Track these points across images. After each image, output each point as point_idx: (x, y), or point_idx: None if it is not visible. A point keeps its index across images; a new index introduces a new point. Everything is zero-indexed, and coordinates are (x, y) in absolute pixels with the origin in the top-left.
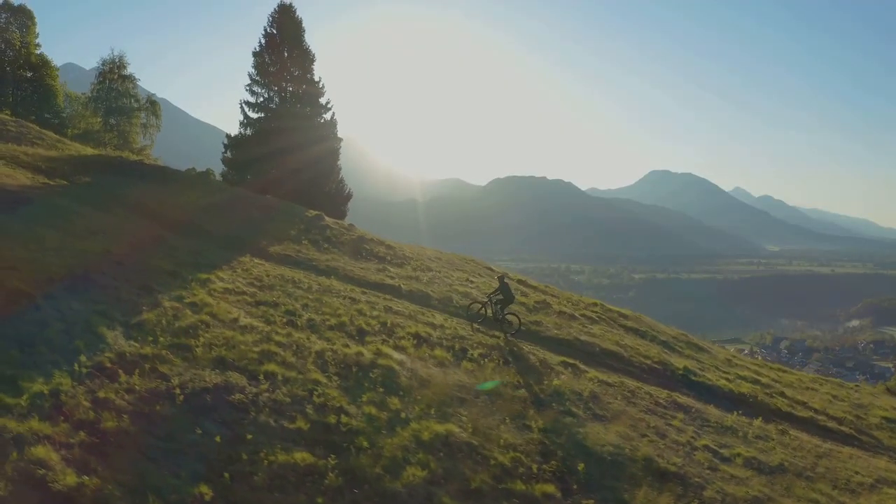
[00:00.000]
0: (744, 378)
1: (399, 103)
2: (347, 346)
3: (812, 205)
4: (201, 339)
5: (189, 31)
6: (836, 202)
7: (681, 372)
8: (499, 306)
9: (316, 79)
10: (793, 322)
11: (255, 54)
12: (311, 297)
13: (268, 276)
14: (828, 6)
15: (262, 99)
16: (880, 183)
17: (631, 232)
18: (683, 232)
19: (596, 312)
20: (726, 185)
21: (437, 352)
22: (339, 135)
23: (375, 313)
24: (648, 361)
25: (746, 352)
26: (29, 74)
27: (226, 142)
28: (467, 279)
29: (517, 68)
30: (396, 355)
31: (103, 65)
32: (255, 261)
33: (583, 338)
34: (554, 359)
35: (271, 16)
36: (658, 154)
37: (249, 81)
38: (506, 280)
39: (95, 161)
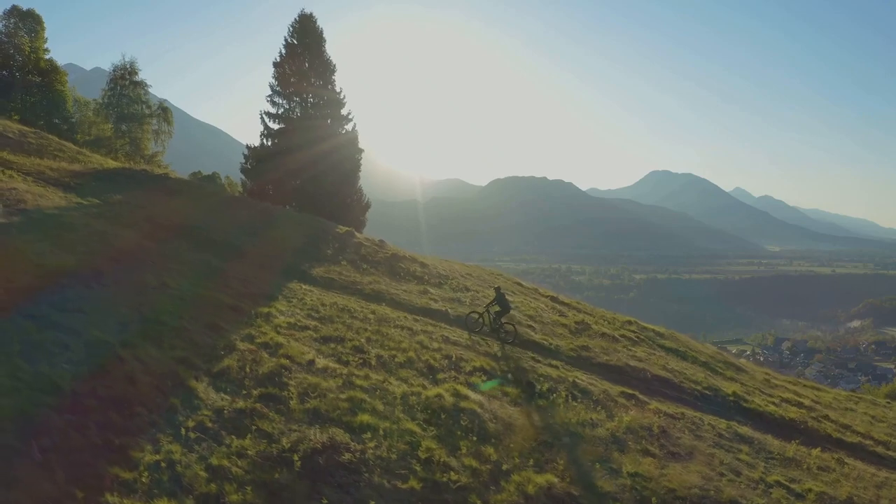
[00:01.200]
0: (787, 401)
1: (399, 104)
2: (425, 386)
3: (812, 205)
4: (292, 390)
5: (188, 31)
6: (836, 202)
7: (731, 398)
8: (495, 316)
9: (337, 89)
10: (793, 322)
11: (275, 65)
12: (370, 328)
13: (322, 305)
14: (828, 6)
15: (282, 110)
16: (880, 183)
17: (631, 232)
18: (684, 232)
19: (633, 332)
20: (726, 185)
21: (508, 388)
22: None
23: (436, 345)
24: (698, 387)
25: (748, 353)
26: (38, 80)
27: (246, 152)
28: None
29: (517, 69)
30: (474, 395)
31: (114, 70)
32: (304, 287)
33: (632, 363)
34: (614, 389)
35: (292, 26)
36: (658, 154)
37: (270, 92)
38: (502, 290)
39: (120, 174)
